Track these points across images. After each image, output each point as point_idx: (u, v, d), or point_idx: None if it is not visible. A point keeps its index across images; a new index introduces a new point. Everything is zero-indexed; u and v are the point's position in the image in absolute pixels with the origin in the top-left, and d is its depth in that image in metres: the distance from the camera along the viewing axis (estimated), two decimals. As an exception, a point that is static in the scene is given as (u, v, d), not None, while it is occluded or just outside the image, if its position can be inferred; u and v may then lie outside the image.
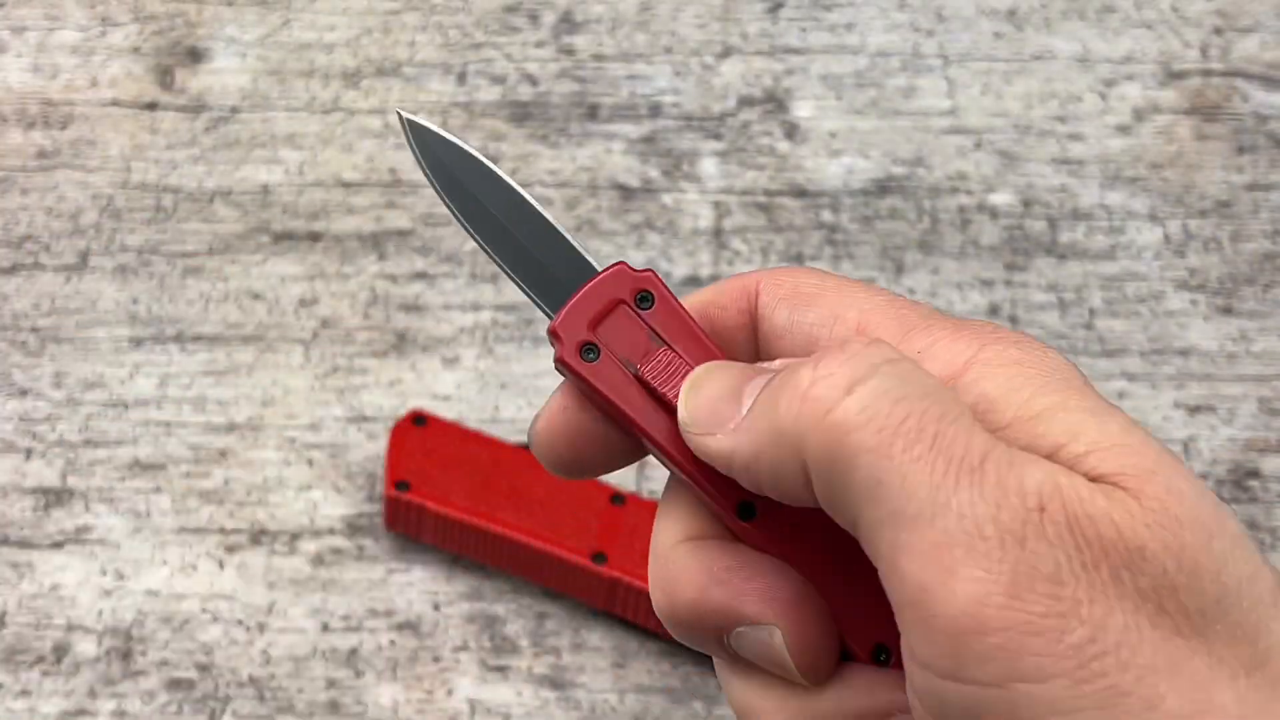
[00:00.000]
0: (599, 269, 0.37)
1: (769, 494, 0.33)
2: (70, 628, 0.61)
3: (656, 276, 0.37)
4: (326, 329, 0.68)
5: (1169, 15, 0.77)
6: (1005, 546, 0.28)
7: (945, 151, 0.73)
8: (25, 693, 0.60)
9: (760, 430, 0.32)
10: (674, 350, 0.36)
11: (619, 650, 0.62)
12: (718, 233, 0.71)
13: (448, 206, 0.38)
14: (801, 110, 0.74)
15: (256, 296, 0.69)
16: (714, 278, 0.69)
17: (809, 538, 0.34)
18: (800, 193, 0.72)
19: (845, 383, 0.30)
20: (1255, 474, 0.66)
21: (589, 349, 0.36)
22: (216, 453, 0.65)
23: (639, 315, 0.36)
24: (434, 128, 0.38)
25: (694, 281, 0.69)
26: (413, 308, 0.68)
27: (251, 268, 0.69)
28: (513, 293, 0.69)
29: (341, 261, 0.69)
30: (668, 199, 0.71)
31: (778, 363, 0.34)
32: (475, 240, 0.38)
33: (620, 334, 0.36)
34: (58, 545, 0.63)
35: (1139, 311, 0.69)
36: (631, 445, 0.36)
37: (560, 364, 0.36)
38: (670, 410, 0.35)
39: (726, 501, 0.35)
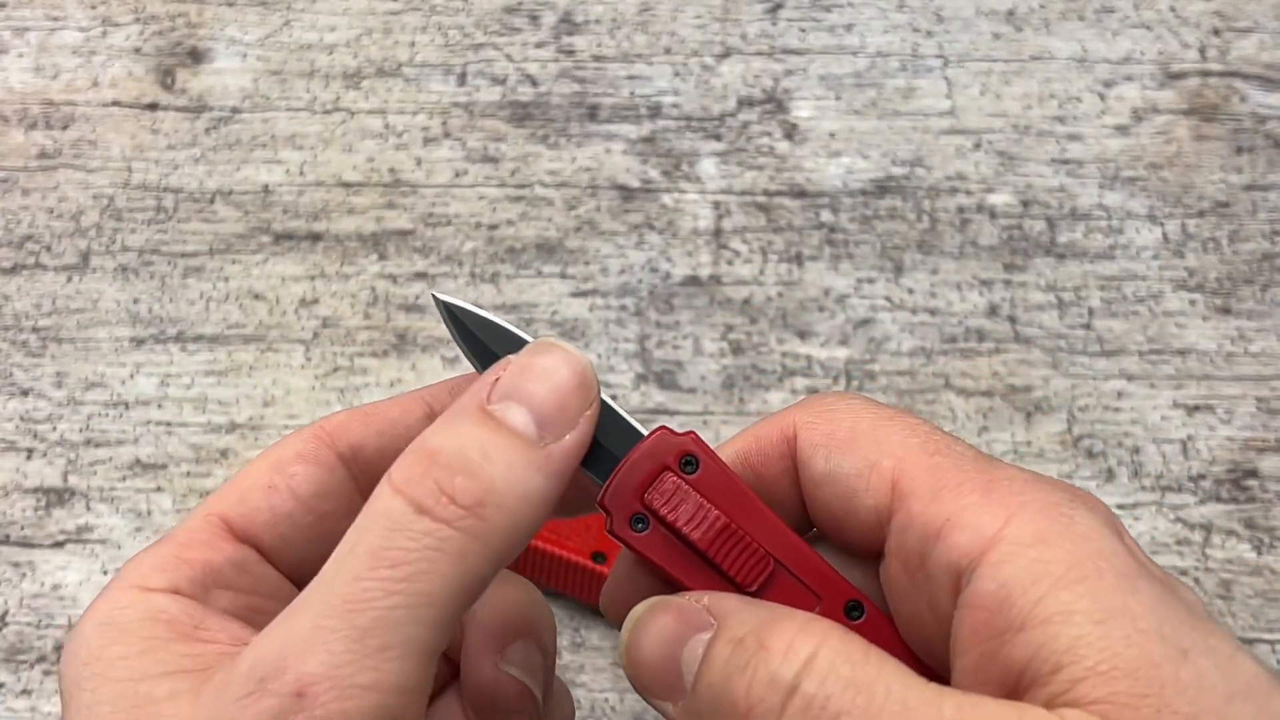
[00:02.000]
0: (643, 433, 0.37)
1: None
2: (72, 627, 0.62)
3: (698, 440, 0.37)
4: (327, 329, 0.68)
5: (1167, 16, 0.77)
6: None
7: (944, 152, 0.73)
8: (27, 692, 0.60)
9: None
10: (721, 512, 0.36)
11: (619, 650, 0.62)
12: (717, 233, 0.71)
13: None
14: (801, 111, 0.74)
15: (257, 297, 0.69)
16: (713, 278, 0.69)
17: None
18: (800, 193, 0.72)
19: (779, 698, 0.31)
20: (1253, 473, 0.66)
21: (639, 519, 0.37)
22: (217, 452, 0.65)
23: (684, 480, 0.37)
24: (468, 306, 0.39)
25: (693, 281, 0.69)
26: (413, 308, 0.69)
27: (252, 268, 0.69)
28: (514, 293, 0.69)
29: (342, 261, 0.70)
30: (667, 199, 0.72)
31: (706, 599, 0.35)
32: None
33: (668, 500, 0.37)
34: (59, 545, 0.63)
35: (1138, 311, 0.69)
36: None
37: (612, 534, 0.37)
38: (722, 572, 0.36)
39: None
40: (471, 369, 0.38)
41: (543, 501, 0.34)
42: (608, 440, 0.37)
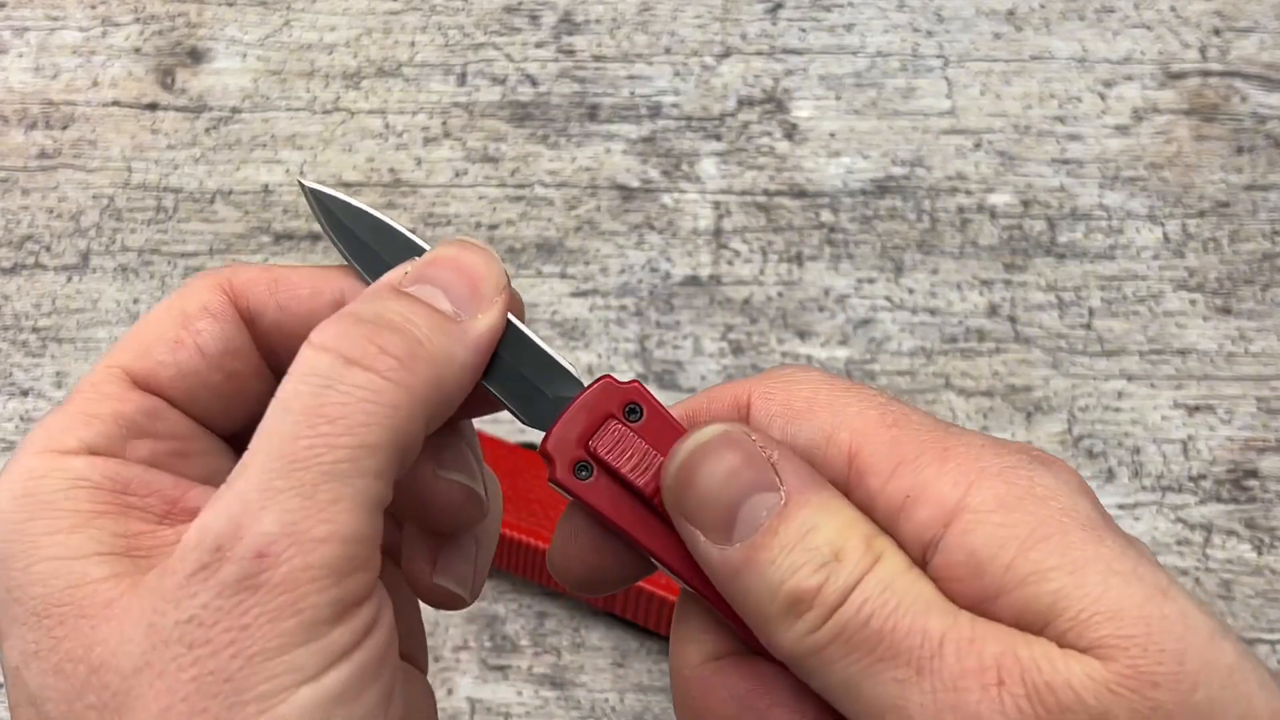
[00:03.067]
0: (565, 366, 0.37)
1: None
2: None
3: (641, 389, 0.36)
4: (327, 329, 0.68)
5: (1168, 16, 0.77)
6: None
7: (944, 152, 0.73)
8: (26, 692, 0.60)
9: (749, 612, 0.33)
10: (653, 450, 0.36)
11: (619, 650, 0.62)
12: (717, 233, 0.71)
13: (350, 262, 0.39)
14: (801, 111, 0.74)
15: (257, 296, 0.69)
16: (713, 278, 0.69)
17: None
18: (800, 193, 0.72)
19: (829, 605, 0.32)
20: (1254, 473, 0.66)
21: (582, 467, 0.36)
22: (217, 452, 0.65)
23: (629, 427, 0.36)
24: (343, 197, 0.39)
25: (693, 281, 0.69)
26: (413, 308, 0.69)
27: (252, 268, 0.69)
28: (513, 293, 0.69)
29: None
30: (667, 199, 0.72)
31: (775, 454, 0.34)
32: None
33: (612, 448, 0.36)
34: (59, 545, 0.63)
35: (1138, 311, 0.69)
36: (643, 558, 0.37)
37: (554, 483, 0.36)
38: (668, 519, 0.35)
39: (727, 605, 0.35)
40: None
41: (464, 369, 0.35)
42: (524, 365, 0.37)
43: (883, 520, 0.33)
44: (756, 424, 0.36)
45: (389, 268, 0.37)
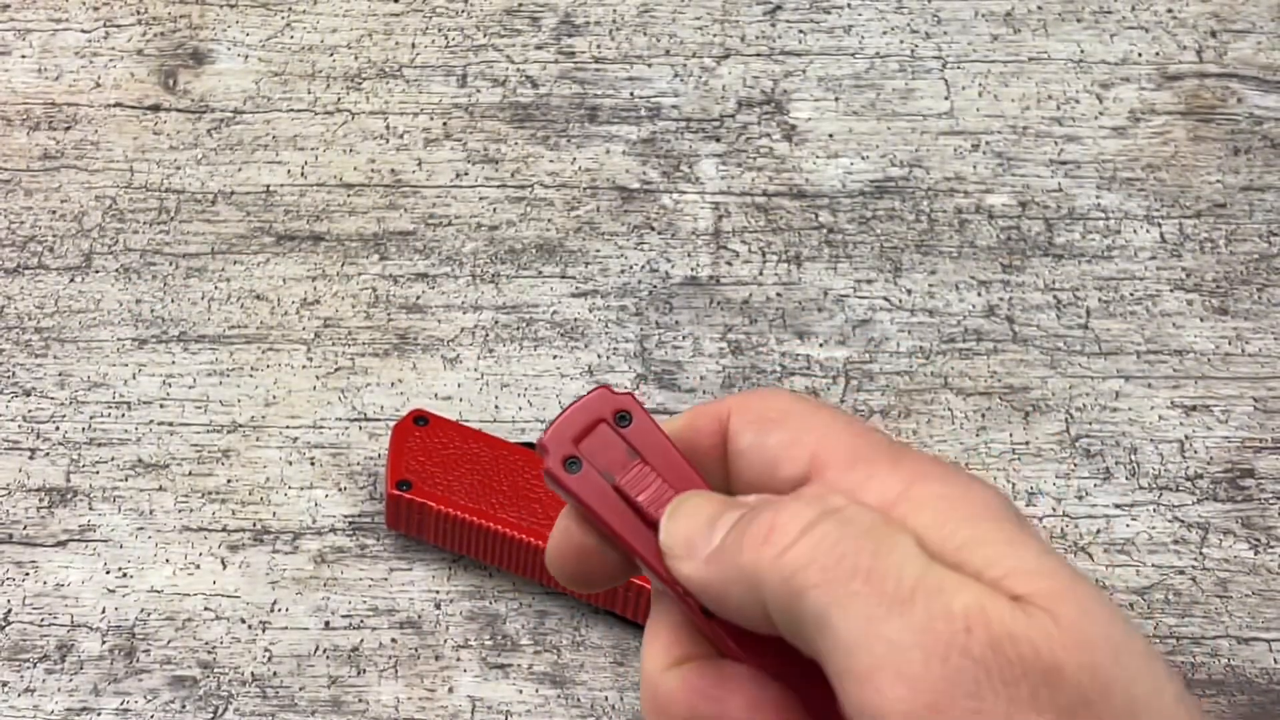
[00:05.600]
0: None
1: (736, 621, 0.36)
2: (74, 626, 0.62)
3: (634, 399, 0.40)
4: (328, 329, 0.68)
5: (1164, 18, 0.77)
6: (929, 667, 0.32)
7: (943, 153, 0.73)
8: (30, 690, 0.61)
9: (726, 566, 0.36)
10: (648, 465, 0.39)
11: (619, 648, 0.62)
12: (717, 234, 0.71)
13: None
14: (800, 112, 0.74)
15: (259, 297, 0.69)
16: (713, 279, 0.70)
17: (778, 641, 0.37)
18: (799, 194, 0.72)
19: (798, 528, 0.34)
20: (1250, 473, 0.66)
21: (572, 462, 0.39)
22: (219, 452, 0.65)
23: (618, 432, 0.40)
24: None
25: (693, 282, 0.70)
26: (414, 308, 0.69)
27: (254, 268, 0.70)
28: (514, 293, 0.69)
29: (343, 262, 0.70)
30: (667, 200, 0.72)
31: (752, 498, 0.38)
32: None
33: (601, 449, 0.39)
34: (62, 544, 0.64)
35: (1135, 312, 0.70)
36: (628, 560, 0.39)
37: (547, 474, 0.39)
38: (646, 520, 0.39)
39: (695, 600, 0.37)
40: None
41: None
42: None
43: None
44: (733, 432, 0.39)
45: None
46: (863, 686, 0.33)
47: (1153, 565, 0.63)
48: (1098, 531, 0.64)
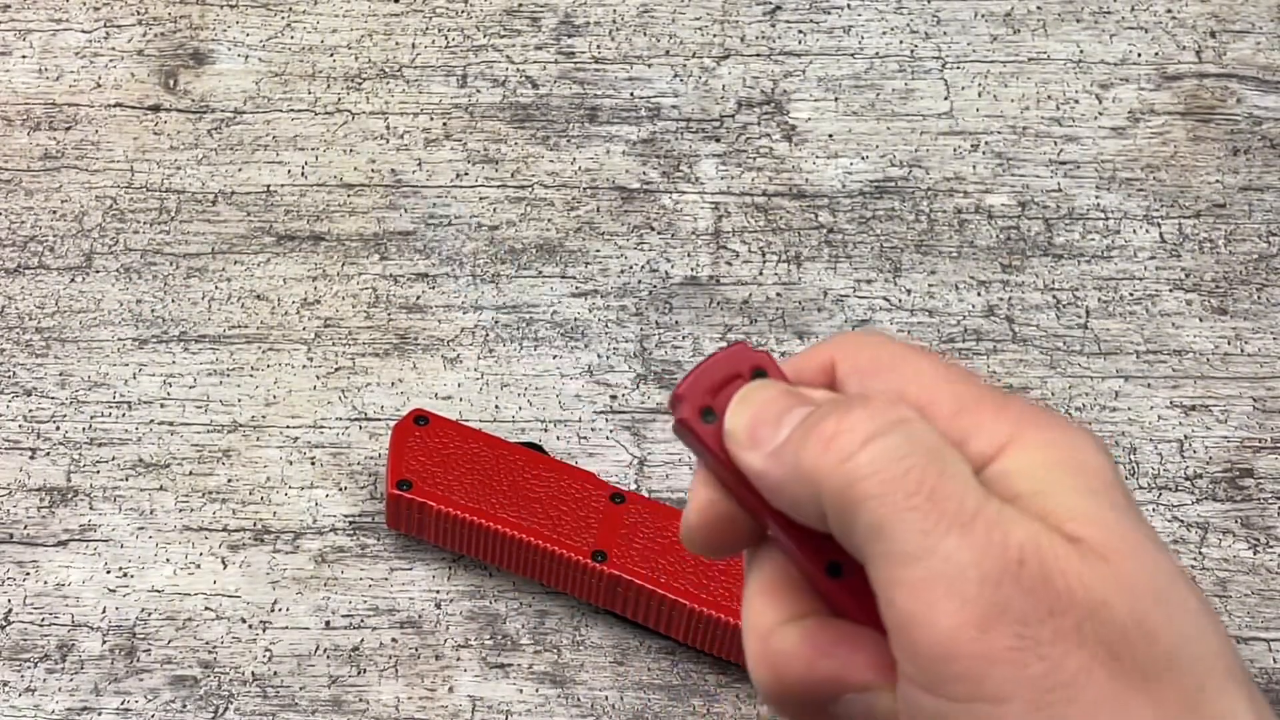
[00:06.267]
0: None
1: (791, 514, 0.37)
2: (75, 625, 0.62)
3: (770, 357, 0.39)
4: (329, 329, 0.68)
5: (1164, 18, 0.77)
6: (982, 588, 0.33)
7: (942, 153, 0.73)
8: (30, 690, 0.61)
9: (788, 464, 0.36)
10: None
11: (619, 648, 0.62)
12: (716, 234, 0.71)
13: None
14: (800, 112, 0.74)
15: (260, 297, 0.69)
16: (712, 279, 0.70)
17: None
18: (798, 194, 0.72)
19: (862, 437, 0.35)
20: (1249, 473, 0.66)
21: (708, 413, 0.39)
22: (220, 452, 0.66)
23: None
24: None
25: (693, 282, 0.70)
26: (414, 308, 0.69)
27: (255, 268, 0.70)
28: (514, 293, 0.69)
29: (344, 262, 0.70)
30: (667, 200, 0.72)
31: (819, 394, 0.38)
32: None
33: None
34: (62, 544, 0.64)
35: (1134, 312, 0.70)
36: (758, 519, 0.39)
37: (680, 425, 0.39)
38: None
39: (818, 560, 0.37)
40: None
41: None
42: None
43: None
44: (839, 381, 0.39)
45: None
46: (914, 596, 0.34)
47: (1152, 565, 0.64)
48: (1097, 531, 0.64)
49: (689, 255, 0.71)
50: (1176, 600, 0.35)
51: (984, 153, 0.73)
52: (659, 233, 0.71)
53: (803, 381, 0.39)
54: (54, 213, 0.71)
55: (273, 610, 0.62)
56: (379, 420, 0.66)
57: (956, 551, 0.34)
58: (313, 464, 0.65)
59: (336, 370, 0.67)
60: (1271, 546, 0.65)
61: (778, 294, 0.70)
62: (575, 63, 0.75)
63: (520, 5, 0.77)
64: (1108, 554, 0.34)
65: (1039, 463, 0.36)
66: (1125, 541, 0.35)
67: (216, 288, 0.69)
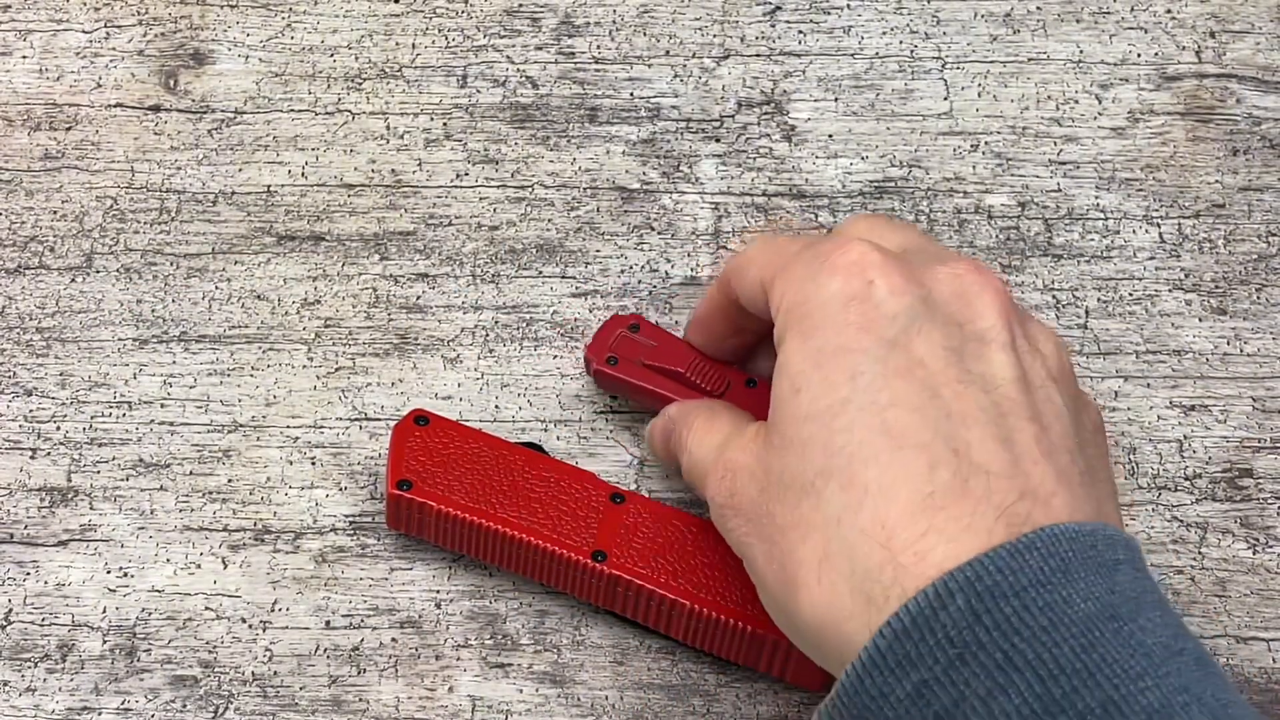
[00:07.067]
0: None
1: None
2: (75, 625, 0.62)
3: (640, 315, 0.66)
4: (329, 329, 0.68)
5: (1163, 18, 0.77)
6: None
7: (942, 153, 0.73)
8: (30, 690, 0.61)
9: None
10: (657, 347, 0.64)
11: (619, 648, 0.62)
12: (716, 234, 0.71)
13: None
14: (799, 113, 0.74)
15: (260, 297, 0.69)
16: (712, 279, 0.70)
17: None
18: (798, 194, 0.72)
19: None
20: (1249, 473, 0.66)
21: (611, 359, 0.64)
22: (220, 452, 0.66)
23: (631, 336, 0.65)
24: None
25: (693, 282, 0.70)
26: (415, 308, 0.69)
27: (255, 269, 0.70)
28: (514, 293, 0.69)
29: (344, 262, 0.70)
30: (667, 200, 0.72)
31: (672, 409, 0.64)
32: None
33: (624, 346, 0.65)
34: (63, 544, 0.64)
35: (1134, 312, 0.70)
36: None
37: (597, 373, 0.65)
38: (666, 374, 0.64)
39: (739, 378, 0.64)
40: None
41: None
42: None
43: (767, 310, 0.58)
44: (728, 277, 0.61)
45: None
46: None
47: (1151, 565, 0.64)
48: (1097, 531, 0.64)
49: (689, 255, 0.71)
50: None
51: (984, 153, 0.73)
52: (659, 233, 0.71)
53: (709, 300, 0.63)
54: (54, 213, 0.71)
55: (273, 610, 0.62)
56: (379, 420, 0.66)
57: (705, 481, 0.59)
58: (313, 464, 0.65)
59: (337, 370, 0.68)
60: (1271, 546, 0.65)
61: (777, 294, 0.70)
62: (575, 63, 0.75)
63: (520, 5, 0.77)
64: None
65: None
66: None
67: (217, 288, 0.69)
